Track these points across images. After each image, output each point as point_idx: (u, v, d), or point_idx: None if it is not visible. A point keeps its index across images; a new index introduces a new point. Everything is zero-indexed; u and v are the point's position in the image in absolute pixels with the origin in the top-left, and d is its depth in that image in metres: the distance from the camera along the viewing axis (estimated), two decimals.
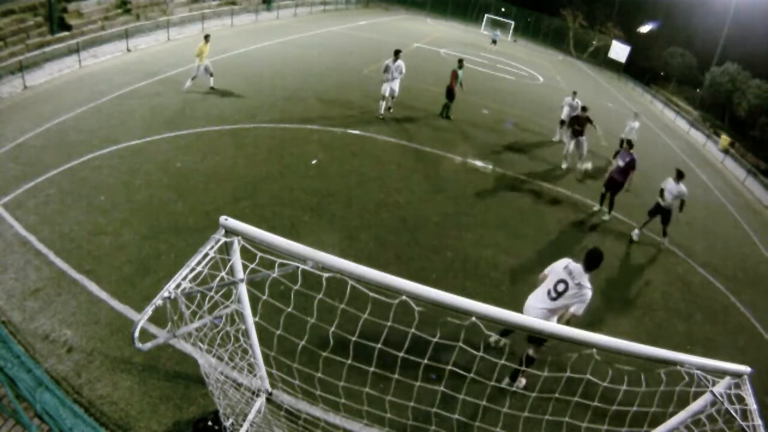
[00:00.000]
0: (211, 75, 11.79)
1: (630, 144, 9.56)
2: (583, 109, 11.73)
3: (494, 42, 31.36)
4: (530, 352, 4.64)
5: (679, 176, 8.71)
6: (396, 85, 12.18)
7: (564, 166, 11.93)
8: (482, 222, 8.37)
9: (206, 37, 11.72)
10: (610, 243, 9.05)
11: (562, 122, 13.78)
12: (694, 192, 13.11)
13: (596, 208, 10.05)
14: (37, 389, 3.77)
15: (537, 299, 4.65)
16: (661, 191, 8.98)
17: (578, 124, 11.49)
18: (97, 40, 14.13)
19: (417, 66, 19.66)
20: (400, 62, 11.87)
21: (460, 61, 13.32)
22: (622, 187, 9.32)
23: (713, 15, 33.92)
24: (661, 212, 9.06)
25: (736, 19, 32.18)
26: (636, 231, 9.35)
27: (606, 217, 9.80)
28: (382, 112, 12.24)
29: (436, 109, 13.96)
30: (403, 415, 3.67)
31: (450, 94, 13.21)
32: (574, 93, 13.91)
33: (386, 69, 11.82)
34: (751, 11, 31.55)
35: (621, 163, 9.26)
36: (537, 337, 4.43)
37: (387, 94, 12.03)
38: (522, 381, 4.92)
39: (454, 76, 12.99)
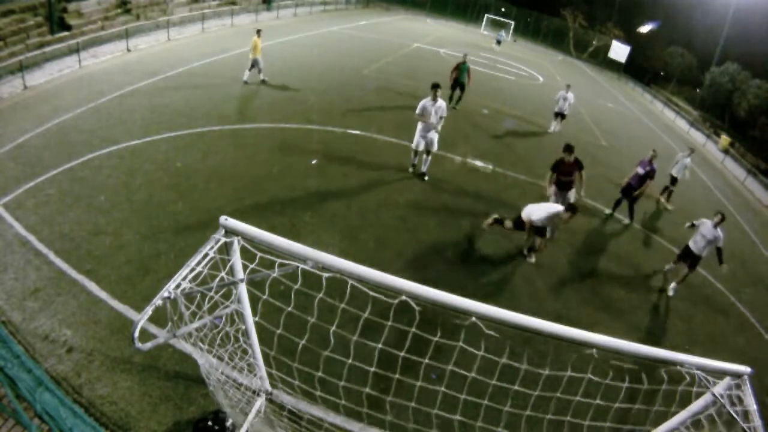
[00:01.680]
0: (260, 70, 12.85)
1: (654, 154, 9.52)
2: (568, 149, 7.86)
3: (498, 43, 31.41)
4: (537, 242, 7.16)
5: (721, 220, 7.49)
6: (435, 136, 8.91)
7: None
8: (483, 222, 8.36)
9: (258, 32, 12.59)
10: (611, 243, 9.05)
11: (556, 114, 14.79)
12: (694, 193, 13.12)
13: (608, 212, 10.04)
14: (37, 389, 3.76)
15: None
16: (692, 224, 7.97)
17: (563, 173, 8.00)
18: (97, 40, 14.11)
19: (417, 66, 19.68)
20: (441, 102, 8.68)
21: (464, 56, 14.60)
22: (638, 193, 9.45)
23: (713, 15, 33.92)
24: (691, 257, 7.71)
25: (737, 19, 32.18)
26: (673, 285, 7.86)
27: (626, 221, 9.92)
28: (418, 166, 9.43)
29: None
30: (403, 416, 3.66)
31: (455, 85, 14.36)
32: (568, 86, 14.66)
33: (423, 111, 8.65)
34: (751, 11, 31.55)
35: (641, 171, 9.36)
36: (542, 230, 6.95)
37: (421, 148, 8.97)
38: (533, 257, 7.48)
39: (456, 68, 14.15)
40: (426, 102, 8.64)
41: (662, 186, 11.82)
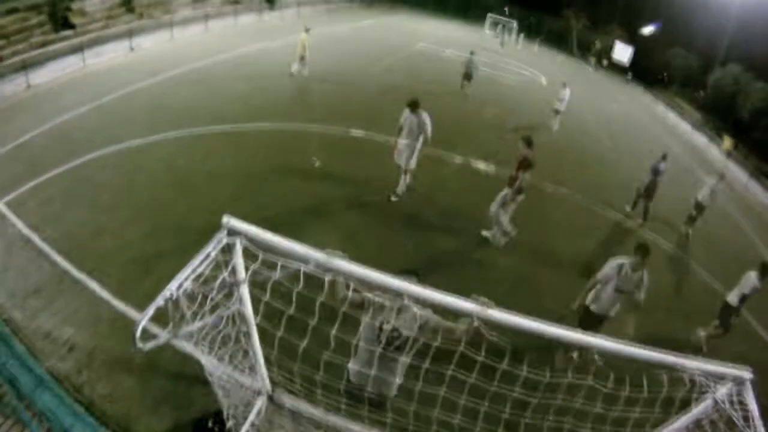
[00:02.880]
0: (298, 64, 13.75)
1: (664, 157, 10.13)
2: (524, 140, 7.38)
3: (502, 45, 31.41)
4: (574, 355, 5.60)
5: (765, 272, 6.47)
6: (413, 152, 7.96)
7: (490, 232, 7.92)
8: (484, 223, 8.35)
9: (307, 30, 13.34)
10: (615, 245, 9.03)
11: (556, 111, 15.22)
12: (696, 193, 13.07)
13: (628, 209, 10.35)
14: (38, 388, 3.77)
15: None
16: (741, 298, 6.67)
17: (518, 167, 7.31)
18: (100, 39, 14.13)
19: (421, 66, 19.67)
20: (418, 117, 7.70)
21: (471, 53, 16.08)
22: (653, 192, 9.96)
23: (717, 16, 33.82)
24: (729, 314, 6.75)
25: (741, 21, 32.09)
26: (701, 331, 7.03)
27: (639, 220, 10.13)
28: (403, 185, 8.35)
29: (439, 110, 13.97)
30: (403, 418, 3.66)
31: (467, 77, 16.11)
32: (564, 83, 15.09)
33: (402, 124, 7.86)
34: (755, 13, 31.45)
35: (651, 172, 10.06)
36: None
37: (398, 161, 8.16)
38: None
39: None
40: (404, 115, 7.84)
41: (687, 215, 10.67)
